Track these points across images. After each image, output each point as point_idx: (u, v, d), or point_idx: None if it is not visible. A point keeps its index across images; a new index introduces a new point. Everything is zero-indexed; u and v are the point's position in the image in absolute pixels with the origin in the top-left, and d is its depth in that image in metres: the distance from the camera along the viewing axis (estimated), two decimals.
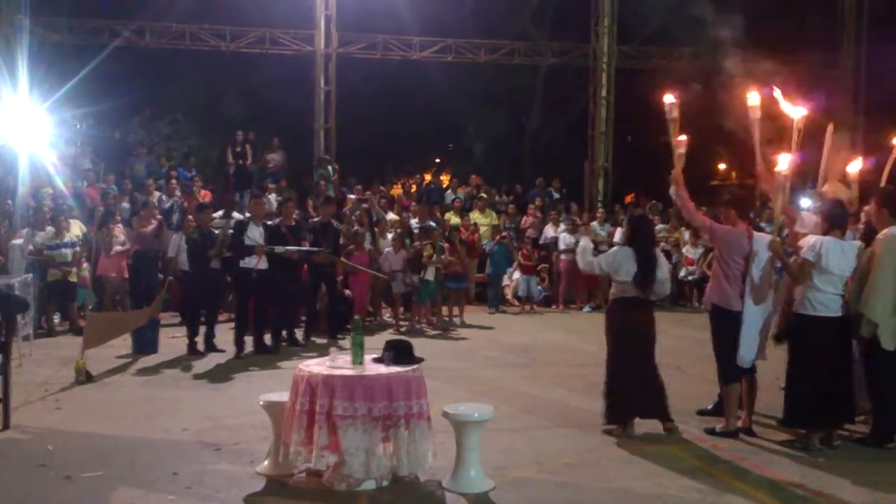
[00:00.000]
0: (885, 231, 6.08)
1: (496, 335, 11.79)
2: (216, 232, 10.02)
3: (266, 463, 5.42)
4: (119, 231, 12.19)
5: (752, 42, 12.38)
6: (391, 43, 18.69)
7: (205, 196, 14.65)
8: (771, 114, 6.82)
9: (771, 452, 6.03)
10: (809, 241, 6.01)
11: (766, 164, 6.66)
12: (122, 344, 9.66)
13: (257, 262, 9.52)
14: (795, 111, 6.75)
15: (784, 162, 6.29)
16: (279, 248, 9.71)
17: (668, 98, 6.70)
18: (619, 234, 6.53)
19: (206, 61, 19.47)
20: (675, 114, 6.69)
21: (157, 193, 14.52)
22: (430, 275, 12.08)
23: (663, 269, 6.48)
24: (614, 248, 6.61)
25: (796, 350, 6.11)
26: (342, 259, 11.18)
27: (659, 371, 6.45)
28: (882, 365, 6.10)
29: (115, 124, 19.54)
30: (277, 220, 10.48)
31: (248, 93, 21.31)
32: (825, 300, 5.97)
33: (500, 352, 10.33)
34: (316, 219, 11.43)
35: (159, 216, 12.47)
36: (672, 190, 6.72)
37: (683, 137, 6.78)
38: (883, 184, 7.04)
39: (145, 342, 9.70)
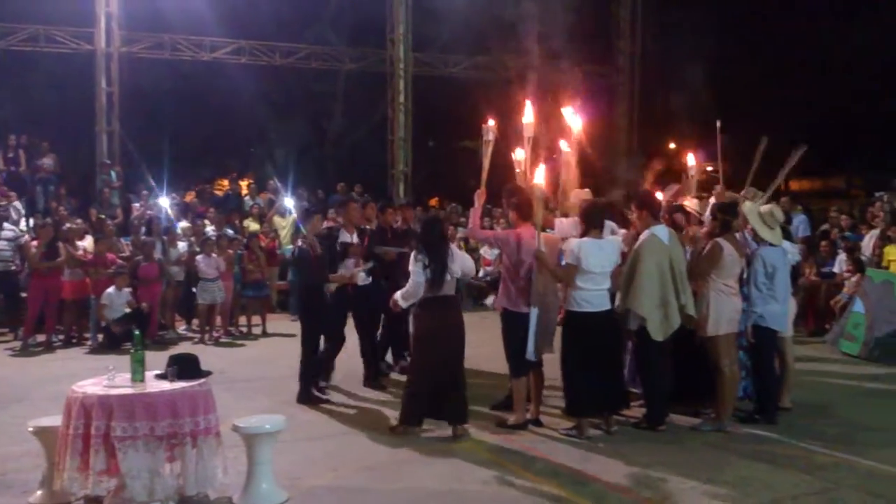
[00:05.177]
0: (646, 231, 6.55)
1: (298, 343, 11.57)
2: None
3: (39, 493, 5.08)
4: None
5: (537, 51, 13.11)
6: (180, 43, 17.98)
7: None
8: (549, 124, 7.24)
9: (557, 441, 6.36)
10: (569, 246, 6.35)
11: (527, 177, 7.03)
12: None
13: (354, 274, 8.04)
14: (574, 121, 7.21)
15: (539, 175, 6.62)
16: (378, 250, 8.39)
17: (489, 123, 6.96)
18: None
19: None
20: (491, 137, 6.94)
21: None
22: None
23: (459, 262, 6.52)
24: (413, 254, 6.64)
25: (567, 345, 6.44)
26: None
27: (464, 374, 6.56)
28: (651, 354, 6.59)
29: None
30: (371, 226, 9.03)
31: (23, 94, 19.69)
32: (588, 297, 6.33)
33: None
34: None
35: None
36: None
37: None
38: (648, 187, 7.62)
39: None
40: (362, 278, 7.85)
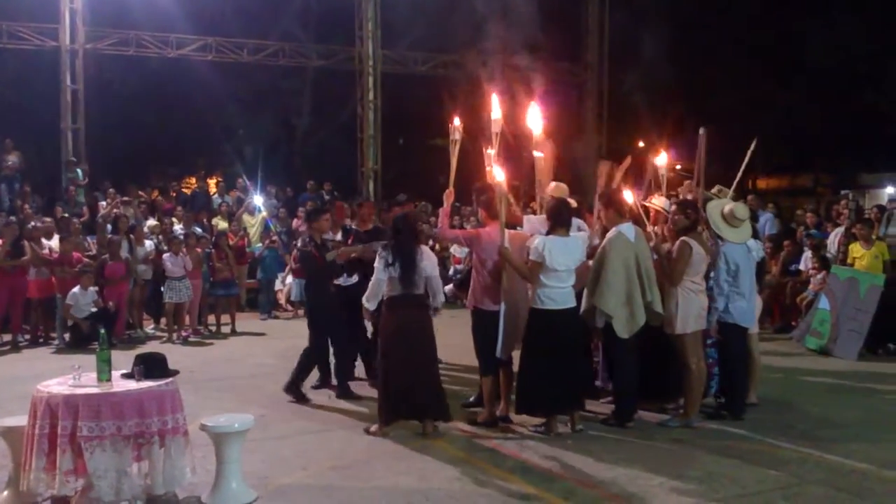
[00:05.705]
0: (613, 229, 6.58)
1: (268, 341, 11.57)
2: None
3: (6, 493, 5.02)
4: None
5: (506, 49, 13.17)
6: (145, 39, 17.79)
7: None
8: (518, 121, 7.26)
9: (526, 438, 6.37)
10: (534, 244, 6.33)
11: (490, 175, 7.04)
12: None
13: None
14: (536, 121, 7.23)
15: (499, 173, 6.64)
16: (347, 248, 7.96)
17: (455, 122, 7.00)
18: None
19: None
20: (458, 136, 6.95)
21: None
22: None
23: (429, 262, 6.47)
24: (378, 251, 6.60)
25: (528, 342, 6.42)
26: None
27: (438, 369, 6.58)
28: (618, 352, 6.65)
29: None
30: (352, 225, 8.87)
31: None
32: (552, 294, 6.30)
33: (272, 358, 10.12)
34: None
35: None
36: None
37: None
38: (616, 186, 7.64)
39: None
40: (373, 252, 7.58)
